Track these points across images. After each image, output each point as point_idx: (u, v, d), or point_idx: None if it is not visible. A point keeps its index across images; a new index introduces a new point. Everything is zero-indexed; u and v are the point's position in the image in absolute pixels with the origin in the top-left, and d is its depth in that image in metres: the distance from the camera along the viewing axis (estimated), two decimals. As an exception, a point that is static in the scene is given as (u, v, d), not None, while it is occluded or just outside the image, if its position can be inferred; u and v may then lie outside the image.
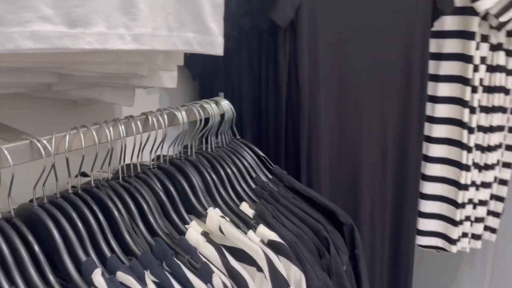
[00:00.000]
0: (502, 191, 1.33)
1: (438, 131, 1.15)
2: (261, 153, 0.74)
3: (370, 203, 0.97)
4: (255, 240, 0.56)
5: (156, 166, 0.63)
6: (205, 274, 0.50)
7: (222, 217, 0.59)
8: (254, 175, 0.70)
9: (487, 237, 1.36)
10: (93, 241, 0.51)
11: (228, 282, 0.50)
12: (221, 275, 0.50)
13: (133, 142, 0.58)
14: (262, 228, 0.58)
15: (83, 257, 0.49)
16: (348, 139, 0.90)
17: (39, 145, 0.49)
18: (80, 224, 0.51)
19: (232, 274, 0.51)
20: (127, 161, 0.60)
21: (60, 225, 0.49)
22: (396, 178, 1.04)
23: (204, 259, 0.53)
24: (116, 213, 0.54)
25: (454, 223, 1.17)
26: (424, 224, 1.21)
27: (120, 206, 0.55)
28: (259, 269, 0.52)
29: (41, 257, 0.47)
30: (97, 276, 0.47)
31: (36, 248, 0.47)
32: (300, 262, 0.56)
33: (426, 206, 1.20)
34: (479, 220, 1.27)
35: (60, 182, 0.53)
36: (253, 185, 0.69)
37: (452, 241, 1.17)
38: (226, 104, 0.72)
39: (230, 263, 0.52)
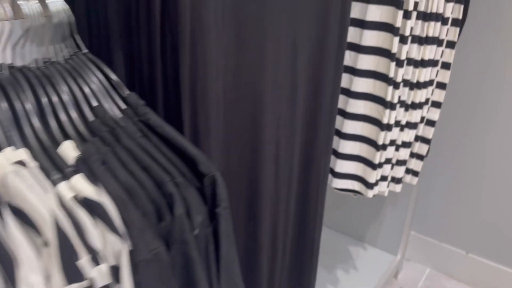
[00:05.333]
0: (429, 132, 1.24)
1: (364, 62, 1.01)
2: (113, 76, 0.55)
3: (275, 144, 0.82)
4: (64, 198, 0.39)
5: None
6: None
7: (18, 163, 0.41)
8: (94, 105, 0.51)
9: (408, 180, 1.28)
10: None
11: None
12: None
13: None
14: (77, 180, 0.41)
15: None
16: (248, 64, 0.72)
17: None
18: None
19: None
20: None
21: None
22: (308, 115, 0.88)
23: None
24: None
25: (373, 166, 1.06)
26: (342, 166, 1.09)
27: None
28: (46, 243, 0.36)
29: None
30: None
31: None
32: (126, 227, 0.40)
33: (346, 146, 1.08)
34: (401, 163, 1.17)
35: None
36: (91, 118, 0.51)
37: (369, 185, 1.07)
38: (58, 3, 0.51)
39: (6, 233, 0.35)
